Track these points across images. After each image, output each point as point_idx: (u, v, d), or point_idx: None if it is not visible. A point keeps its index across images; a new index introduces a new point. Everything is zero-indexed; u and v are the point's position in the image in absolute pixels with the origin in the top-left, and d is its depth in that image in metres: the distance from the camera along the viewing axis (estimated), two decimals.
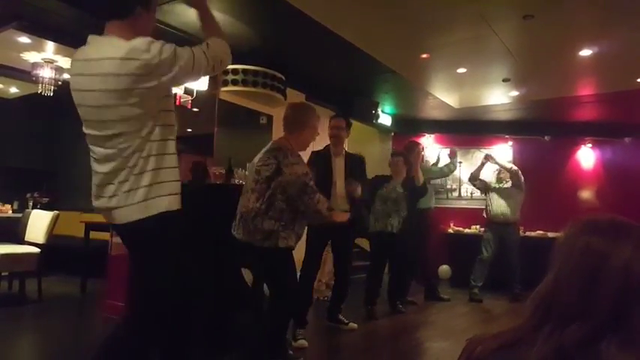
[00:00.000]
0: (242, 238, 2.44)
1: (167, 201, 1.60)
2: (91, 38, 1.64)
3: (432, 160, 6.37)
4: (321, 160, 3.53)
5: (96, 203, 1.66)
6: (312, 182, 2.42)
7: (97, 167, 1.64)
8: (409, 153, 4.57)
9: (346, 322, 3.72)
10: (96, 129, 1.60)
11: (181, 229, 1.66)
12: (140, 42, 1.51)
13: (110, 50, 1.53)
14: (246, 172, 3.05)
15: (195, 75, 1.67)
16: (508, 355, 0.68)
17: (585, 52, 4.52)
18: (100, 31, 1.65)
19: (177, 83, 1.72)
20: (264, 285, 2.82)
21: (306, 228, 2.69)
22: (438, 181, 5.17)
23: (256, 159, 2.53)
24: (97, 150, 1.62)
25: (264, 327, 2.44)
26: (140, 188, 1.57)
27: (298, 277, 3.22)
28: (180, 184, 1.70)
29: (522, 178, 5.41)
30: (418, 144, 4.93)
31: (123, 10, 1.61)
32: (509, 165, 5.61)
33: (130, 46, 1.51)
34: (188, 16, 3.91)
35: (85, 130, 1.65)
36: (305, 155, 2.85)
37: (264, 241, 2.38)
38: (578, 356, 0.62)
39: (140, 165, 1.57)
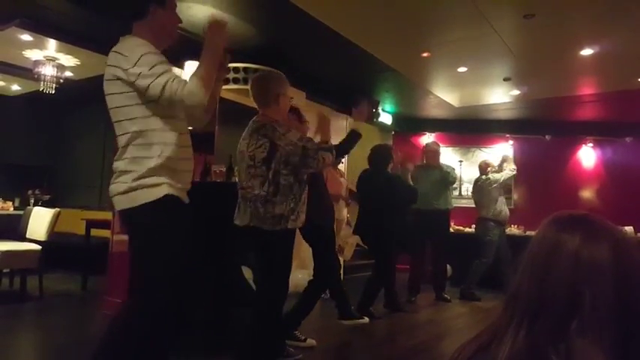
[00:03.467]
0: (248, 224, 2.34)
1: (155, 191, 1.66)
2: (121, 39, 1.76)
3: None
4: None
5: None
6: (309, 143, 2.35)
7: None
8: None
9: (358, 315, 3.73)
10: (112, 117, 1.74)
11: (173, 217, 1.68)
12: (137, 49, 1.66)
13: (119, 44, 1.71)
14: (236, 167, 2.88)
15: (163, 101, 1.66)
16: (484, 356, 0.68)
17: (586, 52, 4.51)
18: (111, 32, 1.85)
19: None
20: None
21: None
22: (438, 179, 5.12)
23: (243, 145, 2.42)
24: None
25: (257, 322, 2.38)
26: (129, 177, 1.66)
27: (314, 283, 3.20)
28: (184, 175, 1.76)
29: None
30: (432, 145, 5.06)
31: (137, 11, 1.74)
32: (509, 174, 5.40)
33: (130, 45, 1.68)
34: (193, 15, 3.92)
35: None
36: None
37: (275, 225, 2.31)
38: (552, 349, 0.63)
39: (132, 155, 1.67)
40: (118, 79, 1.64)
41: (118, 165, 1.70)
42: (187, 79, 1.65)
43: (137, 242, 1.72)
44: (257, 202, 2.31)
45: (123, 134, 1.69)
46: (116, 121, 1.70)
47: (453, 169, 5.17)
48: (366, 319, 3.74)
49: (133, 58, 1.61)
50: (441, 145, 5.48)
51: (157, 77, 1.59)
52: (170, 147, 1.68)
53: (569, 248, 0.67)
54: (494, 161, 5.55)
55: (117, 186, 1.68)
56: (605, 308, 0.62)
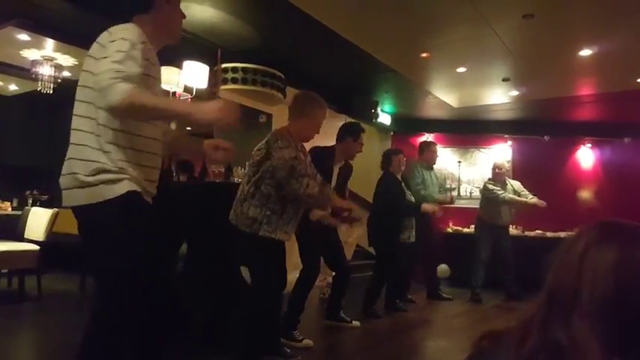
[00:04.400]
0: (232, 220, 2.48)
1: (114, 187, 1.50)
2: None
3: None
4: (325, 161, 3.33)
5: None
6: (300, 167, 2.40)
7: None
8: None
9: (348, 319, 3.69)
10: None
11: (133, 216, 1.52)
12: (120, 32, 1.54)
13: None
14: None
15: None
16: (507, 348, 0.72)
17: (585, 52, 4.52)
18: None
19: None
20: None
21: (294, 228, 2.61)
22: (436, 180, 5.15)
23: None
24: None
25: (246, 323, 2.42)
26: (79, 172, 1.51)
27: (297, 281, 3.23)
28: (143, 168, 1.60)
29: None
30: (396, 151, 4.68)
31: (142, 3, 1.66)
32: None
33: (112, 30, 1.56)
34: (194, 15, 3.91)
35: None
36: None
37: (248, 227, 2.41)
38: (563, 337, 0.67)
39: (87, 146, 1.52)
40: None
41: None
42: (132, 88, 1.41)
43: (94, 242, 1.60)
44: (238, 199, 2.47)
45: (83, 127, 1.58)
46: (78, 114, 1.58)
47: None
48: (357, 323, 3.73)
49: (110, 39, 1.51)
50: (440, 145, 5.49)
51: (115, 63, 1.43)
52: (135, 138, 1.55)
53: (580, 245, 0.72)
54: (504, 163, 5.57)
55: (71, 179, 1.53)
56: (602, 306, 0.66)
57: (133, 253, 1.51)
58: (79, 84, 1.62)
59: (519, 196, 5.27)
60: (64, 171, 1.58)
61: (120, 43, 1.48)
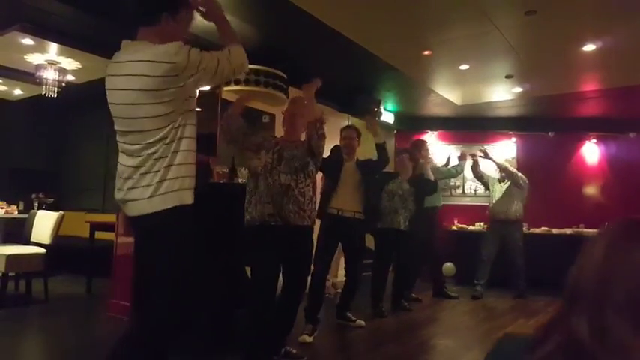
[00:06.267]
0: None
1: (180, 196, 1.66)
2: (124, 43, 1.74)
3: (439, 159, 6.39)
4: (332, 164, 3.61)
5: (117, 195, 1.74)
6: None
7: (122, 160, 1.72)
8: (417, 150, 4.70)
9: (354, 319, 3.73)
10: (124, 126, 1.69)
11: (190, 225, 1.70)
12: (171, 46, 1.63)
13: (143, 53, 1.64)
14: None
15: (217, 78, 1.79)
16: (527, 349, 0.72)
17: (588, 47, 4.49)
18: (114, 36, 1.79)
19: (201, 84, 1.79)
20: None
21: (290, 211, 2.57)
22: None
23: None
24: (123, 146, 1.72)
25: (250, 320, 2.44)
26: (157, 183, 1.64)
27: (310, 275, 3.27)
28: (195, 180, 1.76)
29: (521, 178, 5.35)
30: (425, 142, 5.11)
31: (149, 18, 1.72)
32: (505, 165, 5.51)
33: (163, 49, 1.62)
34: (195, 16, 3.92)
35: (115, 127, 1.74)
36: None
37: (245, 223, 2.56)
38: (586, 330, 0.67)
39: (160, 161, 1.64)
40: (166, 88, 1.63)
41: (140, 170, 1.70)
42: (231, 49, 1.79)
43: (159, 248, 1.68)
44: None
45: (150, 141, 1.69)
46: (142, 130, 1.68)
47: None
48: (362, 322, 3.76)
49: (183, 53, 1.64)
50: (444, 143, 5.53)
51: (216, 58, 1.73)
52: (190, 153, 1.71)
53: (607, 243, 0.72)
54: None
55: (139, 191, 1.66)
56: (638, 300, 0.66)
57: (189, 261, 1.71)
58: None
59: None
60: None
61: (179, 52, 1.63)
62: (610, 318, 0.66)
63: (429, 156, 4.66)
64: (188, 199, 1.68)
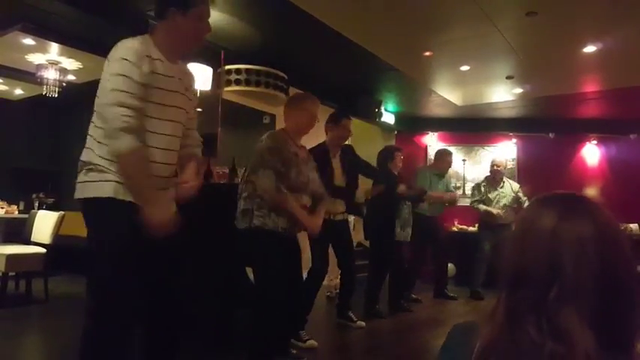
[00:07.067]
0: (235, 224, 2.53)
1: (104, 187, 1.65)
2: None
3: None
4: (321, 161, 3.26)
5: None
6: (272, 159, 2.38)
7: None
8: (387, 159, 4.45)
9: (355, 319, 3.70)
10: None
11: (118, 222, 1.70)
12: (119, 48, 1.65)
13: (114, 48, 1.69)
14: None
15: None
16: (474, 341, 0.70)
17: (589, 49, 4.49)
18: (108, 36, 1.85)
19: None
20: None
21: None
22: (445, 189, 5.26)
23: None
24: None
25: (253, 325, 2.41)
26: (84, 170, 1.71)
27: (304, 277, 3.24)
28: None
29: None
30: (398, 148, 4.76)
31: (158, 10, 1.75)
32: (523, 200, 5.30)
33: (115, 47, 1.66)
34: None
35: None
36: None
37: (241, 223, 2.43)
38: (531, 321, 0.63)
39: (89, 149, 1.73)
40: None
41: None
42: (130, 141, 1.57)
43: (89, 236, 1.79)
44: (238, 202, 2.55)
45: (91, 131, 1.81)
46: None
47: None
48: (362, 323, 3.73)
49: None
50: (444, 143, 5.52)
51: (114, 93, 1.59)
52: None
53: (547, 220, 0.68)
54: (502, 161, 5.58)
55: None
56: (587, 278, 0.63)
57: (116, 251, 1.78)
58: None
59: (517, 199, 5.24)
60: None
61: (119, 64, 1.58)
62: (556, 305, 0.62)
63: (400, 163, 4.48)
64: (112, 193, 1.66)
